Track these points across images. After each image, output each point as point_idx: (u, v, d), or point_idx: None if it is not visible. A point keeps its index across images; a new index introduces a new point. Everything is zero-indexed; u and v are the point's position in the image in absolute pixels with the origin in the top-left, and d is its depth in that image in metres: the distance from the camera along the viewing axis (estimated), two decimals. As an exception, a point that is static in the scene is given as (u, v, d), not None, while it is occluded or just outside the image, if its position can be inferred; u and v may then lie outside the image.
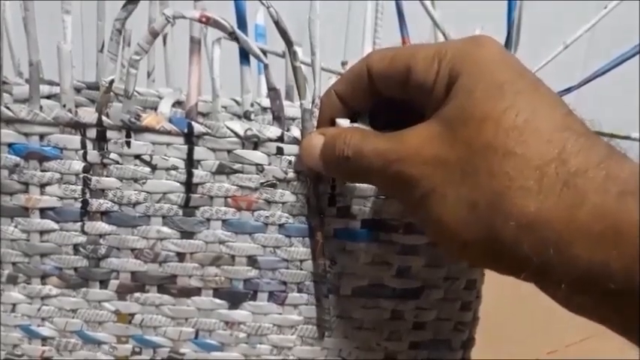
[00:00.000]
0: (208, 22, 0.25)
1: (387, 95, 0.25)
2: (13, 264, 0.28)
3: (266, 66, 0.25)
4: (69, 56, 0.26)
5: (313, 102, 0.26)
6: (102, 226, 0.27)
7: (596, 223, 0.18)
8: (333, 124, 0.26)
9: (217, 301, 0.29)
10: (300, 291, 0.29)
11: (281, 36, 0.25)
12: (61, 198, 0.27)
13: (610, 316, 0.19)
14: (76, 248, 0.28)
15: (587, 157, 0.19)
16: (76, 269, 0.28)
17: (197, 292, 0.28)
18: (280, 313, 0.29)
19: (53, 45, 0.26)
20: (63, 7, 0.30)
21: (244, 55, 0.26)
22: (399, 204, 0.26)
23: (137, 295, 0.28)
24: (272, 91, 0.26)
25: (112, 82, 0.26)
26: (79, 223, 0.27)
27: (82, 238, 0.28)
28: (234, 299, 0.29)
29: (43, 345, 0.29)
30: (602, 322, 0.20)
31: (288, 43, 0.25)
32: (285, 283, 0.28)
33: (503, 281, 0.27)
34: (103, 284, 0.28)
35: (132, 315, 0.29)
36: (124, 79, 0.25)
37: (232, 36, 0.25)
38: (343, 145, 0.24)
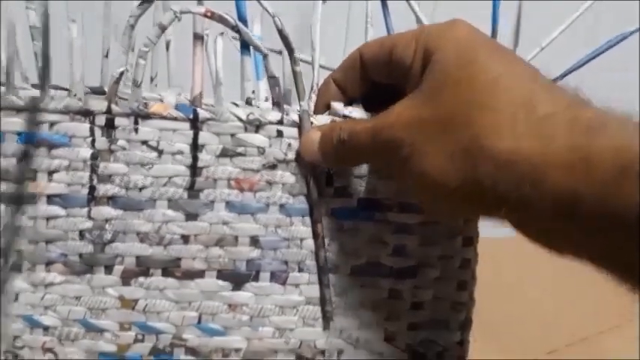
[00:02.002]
0: (213, 16, 0.26)
1: (377, 80, 0.27)
2: (18, 251, 0.28)
3: (265, 56, 0.27)
4: (79, 51, 0.27)
5: (312, 89, 0.28)
6: (108, 210, 0.28)
7: (568, 155, 0.19)
8: (329, 108, 0.28)
9: (221, 282, 0.29)
10: (300, 270, 0.29)
11: (283, 43, 0.27)
12: (69, 184, 0.28)
13: (584, 244, 0.20)
14: (81, 234, 0.28)
15: (554, 103, 0.21)
16: (81, 255, 0.28)
17: (201, 274, 0.29)
18: (282, 294, 0.29)
19: (56, 52, 0.27)
20: (69, 16, 0.31)
21: (245, 46, 0.27)
22: (390, 177, 0.28)
23: (141, 279, 0.29)
24: (272, 79, 0.27)
25: (122, 73, 0.27)
26: (86, 209, 0.28)
27: (89, 224, 0.28)
28: (237, 280, 0.29)
29: (44, 335, 0.29)
30: (576, 254, 0.21)
31: (290, 49, 0.27)
32: (286, 262, 0.29)
33: (503, 282, 0.28)
34: (108, 270, 0.28)
35: (135, 301, 0.29)
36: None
37: (235, 29, 0.27)
38: (339, 132, 0.26)
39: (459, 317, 0.31)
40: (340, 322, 0.30)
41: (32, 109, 0.26)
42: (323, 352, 0.30)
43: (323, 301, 0.29)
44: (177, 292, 0.29)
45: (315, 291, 0.29)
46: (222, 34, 0.28)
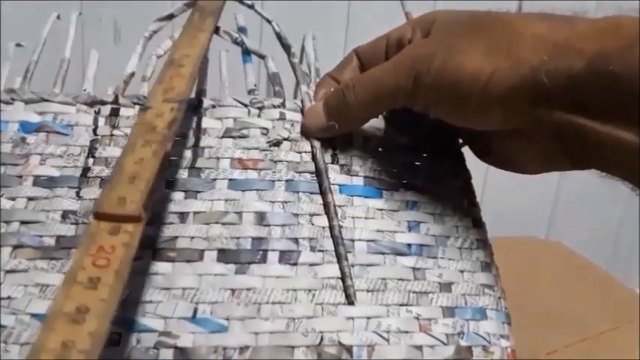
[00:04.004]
0: (218, 31, 0.31)
1: None
2: (-17, 233, 0.23)
3: (265, 57, 0.30)
4: (95, 61, 0.29)
5: (309, 84, 0.30)
6: (99, 191, 0.25)
7: (599, 22, 0.21)
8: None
9: (222, 265, 0.24)
10: (313, 249, 0.25)
11: (280, 43, 0.31)
12: (62, 167, 0.26)
13: (612, 107, 0.20)
14: (64, 215, 0.25)
15: (573, 23, 0.23)
16: (58, 239, 0.24)
17: (199, 256, 0.24)
18: (294, 276, 0.25)
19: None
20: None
21: (247, 54, 0.31)
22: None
23: (127, 263, 0.24)
24: (272, 75, 0.30)
25: (132, 74, 0.29)
26: (75, 190, 0.25)
27: (75, 204, 0.25)
28: (242, 261, 0.25)
29: (-12, 337, 0.21)
30: (605, 121, 0.21)
31: (287, 47, 0.31)
32: (296, 240, 0.25)
33: (502, 282, 0.27)
34: (88, 253, 0.24)
35: (117, 290, 0.23)
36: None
37: (237, 40, 0.31)
38: (344, 84, 0.26)
39: (494, 303, 0.26)
40: (365, 308, 0.24)
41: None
42: (350, 350, 0.23)
43: (343, 276, 0.25)
44: (169, 278, 0.24)
45: (332, 271, 0.25)
46: (227, 50, 0.31)
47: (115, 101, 0.27)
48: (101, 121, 0.27)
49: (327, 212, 0.26)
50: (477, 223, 0.28)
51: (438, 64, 0.23)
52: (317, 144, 0.27)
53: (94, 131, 0.27)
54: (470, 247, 0.27)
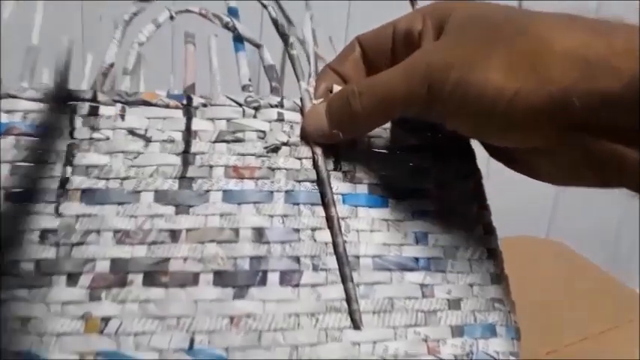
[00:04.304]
0: (207, 15, 0.27)
1: (377, 63, 0.27)
2: (-47, 260, 0.21)
3: (261, 46, 0.27)
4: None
5: (310, 75, 0.27)
6: (81, 206, 0.23)
7: (628, 37, 0.19)
8: (329, 94, 0.27)
9: (219, 289, 0.23)
10: (315, 268, 0.24)
11: (277, 31, 0.27)
12: (37, 178, 0.23)
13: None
14: (43, 235, 0.22)
15: (608, 34, 0.20)
16: (38, 262, 0.22)
17: (194, 279, 0.23)
18: (296, 299, 0.23)
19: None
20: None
21: (239, 41, 0.27)
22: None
23: (116, 290, 0.22)
24: (268, 67, 0.27)
25: (111, 65, 0.26)
26: (53, 205, 0.23)
27: (54, 223, 0.22)
28: (240, 284, 0.23)
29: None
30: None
31: (285, 36, 0.27)
32: (298, 259, 0.24)
33: None
34: (72, 280, 0.22)
35: (106, 320, 0.21)
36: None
37: (228, 25, 0.27)
38: (352, 88, 0.23)
39: (503, 318, 0.25)
40: (371, 332, 0.23)
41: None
42: (357, 379, 0.22)
43: (349, 299, 0.23)
44: (162, 306, 0.22)
45: (336, 293, 0.23)
46: (216, 35, 0.28)
47: (94, 98, 0.24)
48: (78, 121, 0.24)
49: (331, 227, 0.24)
50: (488, 229, 0.27)
51: (456, 76, 0.21)
52: (319, 150, 0.25)
53: (71, 134, 0.24)
54: (480, 258, 0.26)
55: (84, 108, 0.24)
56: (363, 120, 0.24)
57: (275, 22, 0.27)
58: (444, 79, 0.21)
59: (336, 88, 0.27)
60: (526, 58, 0.20)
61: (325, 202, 0.24)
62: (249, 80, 0.26)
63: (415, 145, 0.27)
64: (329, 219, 0.24)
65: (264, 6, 0.27)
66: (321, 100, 0.26)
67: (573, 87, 0.19)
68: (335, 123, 0.24)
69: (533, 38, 0.20)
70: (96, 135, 0.24)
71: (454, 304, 0.25)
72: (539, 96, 0.20)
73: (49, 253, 0.22)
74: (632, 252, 0.74)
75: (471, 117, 0.21)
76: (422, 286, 0.24)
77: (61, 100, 0.24)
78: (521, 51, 0.20)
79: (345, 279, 0.23)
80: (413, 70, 0.22)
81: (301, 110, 0.26)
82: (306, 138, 0.25)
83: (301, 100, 0.26)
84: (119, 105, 0.24)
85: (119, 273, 0.22)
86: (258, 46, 0.27)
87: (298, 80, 0.26)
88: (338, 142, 0.25)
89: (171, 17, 0.26)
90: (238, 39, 0.27)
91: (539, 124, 0.20)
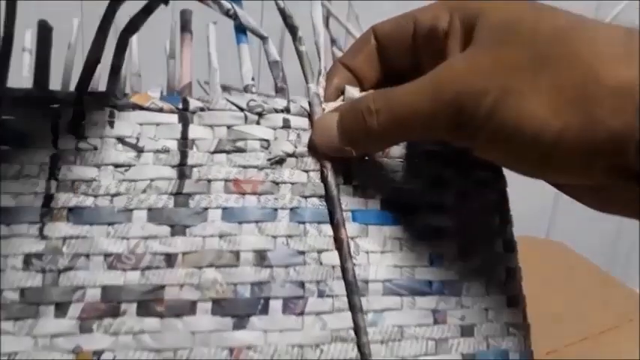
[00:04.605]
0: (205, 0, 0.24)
1: (395, 60, 0.24)
2: None
3: (266, 39, 0.24)
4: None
5: (320, 73, 0.24)
6: (67, 227, 0.21)
7: None
8: (341, 94, 0.24)
9: (217, 318, 0.21)
10: (321, 295, 0.22)
11: (285, 22, 0.24)
12: (17, 194, 0.21)
13: None
14: (27, 260, 0.20)
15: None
16: (23, 291, 0.20)
17: (191, 308, 0.21)
18: (300, 329, 0.22)
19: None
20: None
21: (241, 31, 0.24)
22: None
23: (108, 321, 0.20)
24: (273, 63, 0.24)
25: (97, 60, 0.23)
26: (37, 225, 0.21)
27: (39, 246, 0.21)
28: (240, 313, 0.21)
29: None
30: None
31: (293, 29, 0.24)
32: (302, 284, 0.22)
33: None
34: (61, 310, 0.20)
35: (98, 354, 0.20)
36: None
37: (229, 13, 0.24)
38: (367, 103, 0.21)
39: (518, 344, 0.24)
40: (380, 364, 0.22)
41: None
42: (364, 415, 0.21)
43: (357, 330, 0.22)
44: (158, 337, 0.21)
45: (342, 321, 0.22)
46: (215, 22, 0.25)
47: (78, 101, 0.22)
48: (62, 128, 0.22)
49: (340, 251, 0.22)
50: (509, 247, 0.25)
51: (491, 103, 0.18)
52: (328, 164, 0.23)
53: (54, 143, 0.21)
54: (498, 280, 0.24)
55: (68, 112, 0.22)
56: (378, 139, 0.21)
57: (282, 12, 0.23)
58: (476, 105, 0.18)
59: (348, 89, 0.24)
60: (574, 91, 0.17)
61: (334, 224, 0.22)
62: (253, 79, 0.24)
63: (433, 152, 0.25)
64: (338, 240, 0.22)
65: None
66: (331, 106, 0.23)
67: (624, 131, 0.16)
68: (347, 139, 0.22)
69: (581, 65, 0.17)
70: (82, 144, 0.22)
71: (467, 330, 0.23)
72: (587, 136, 0.17)
73: (34, 280, 0.20)
74: (632, 252, 0.74)
75: (505, 149, 0.19)
76: (434, 311, 0.23)
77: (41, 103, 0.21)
78: (566, 80, 0.17)
79: (354, 309, 0.22)
80: (439, 90, 0.19)
81: (309, 116, 0.23)
82: (314, 150, 0.23)
83: (310, 105, 0.23)
84: (107, 109, 0.22)
85: (111, 302, 0.20)
86: (263, 38, 0.24)
87: (307, 82, 0.23)
88: (349, 157, 0.22)
89: (165, 2, 0.23)
90: (241, 30, 0.24)
91: (587, 166, 0.18)
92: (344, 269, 0.22)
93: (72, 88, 0.22)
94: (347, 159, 0.23)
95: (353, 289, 0.22)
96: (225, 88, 0.27)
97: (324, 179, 0.23)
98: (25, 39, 0.27)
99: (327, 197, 0.23)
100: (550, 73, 0.18)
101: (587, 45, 0.17)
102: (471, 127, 0.19)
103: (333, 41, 0.29)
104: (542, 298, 0.24)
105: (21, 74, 0.24)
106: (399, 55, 0.24)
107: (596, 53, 0.17)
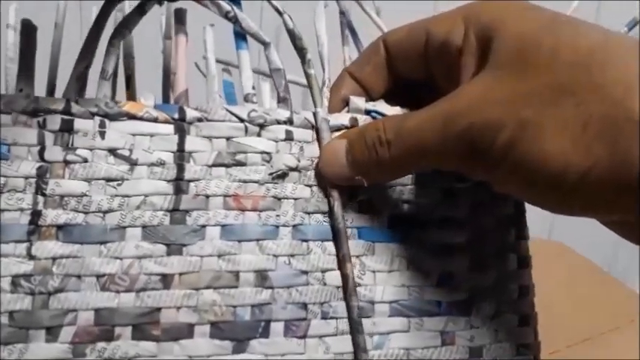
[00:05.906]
0: (203, 1, 0.22)
1: (405, 72, 0.23)
2: None
3: (268, 45, 0.22)
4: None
5: (324, 84, 0.23)
6: (57, 246, 0.20)
7: None
8: (346, 105, 0.23)
9: (216, 342, 0.20)
10: (325, 317, 0.21)
11: (293, 43, 0.22)
12: (2, 211, 0.20)
13: None
14: (15, 282, 0.19)
15: None
16: (11, 315, 0.19)
17: (188, 331, 0.20)
18: (302, 353, 0.21)
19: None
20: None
21: (241, 37, 0.22)
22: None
23: (101, 345, 0.19)
24: (276, 72, 0.22)
25: (87, 67, 0.21)
26: (25, 245, 0.20)
27: (27, 267, 0.19)
28: (240, 337, 0.20)
29: None
30: None
31: (302, 51, 0.22)
32: (305, 305, 0.21)
33: None
34: (52, 334, 0.19)
35: (92, 380, 0.19)
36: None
37: (228, 16, 0.22)
38: (377, 132, 0.20)
39: None
40: (384, 388, 0.21)
41: None
42: None
43: (357, 354, 0.21)
44: (153, 362, 0.20)
45: (346, 344, 0.21)
46: (212, 25, 0.23)
47: (67, 110, 0.20)
48: (49, 138, 0.20)
49: (345, 287, 0.21)
50: (523, 263, 0.24)
51: (507, 137, 0.17)
52: (335, 194, 0.21)
53: (41, 155, 0.20)
54: (509, 299, 0.23)
55: (55, 121, 0.20)
56: (390, 170, 0.20)
57: (291, 33, 0.21)
58: (492, 138, 0.17)
59: (353, 100, 0.22)
60: (602, 125, 0.16)
61: (340, 258, 0.21)
62: (253, 88, 0.22)
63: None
64: (343, 276, 0.21)
65: (280, 13, 0.21)
66: (339, 127, 0.22)
67: None
68: (358, 170, 0.20)
69: (608, 98, 0.16)
70: (71, 156, 0.20)
71: (475, 351, 0.22)
72: (618, 173, 0.16)
73: (23, 303, 0.19)
74: (633, 253, 0.73)
75: (526, 186, 0.17)
76: (442, 333, 0.22)
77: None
78: (592, 114, 0.16)
79: (355, 332, 0.21)
80: (451, 120, 0.18)
81: (317, 133, 0.22)
82: (321, 179, 0.21)
83: (317, 131, 0.22)
84: (97, 118, 0.20)
85: (105, 325, 0.19)
86: (265, 43, 0.22)
87: (315, 106, 0.22)
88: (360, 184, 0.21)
89: (160, 3, 0.21)
90: (240, 35, 0.22)
91: (616, 202, 0.16)
92: (349, 307, 0.21)
93: (59, 85, 0.21)
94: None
95: (358, 329, 0.21)
96: (227, 67, 0.25)
97: (328, 195, 0.22)
98: (10, 15, 0.25)
99: (334, 233, 0.21)
100: (573, 105, 0.16)
101: (611, 72, 0.16)
102: (485, 161, 0.17)
103: (342, 13, 0.27)
104: (543, 299, 0.24)
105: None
106: (410, 65, 0.22)
107: (622, 82, 0.16)
